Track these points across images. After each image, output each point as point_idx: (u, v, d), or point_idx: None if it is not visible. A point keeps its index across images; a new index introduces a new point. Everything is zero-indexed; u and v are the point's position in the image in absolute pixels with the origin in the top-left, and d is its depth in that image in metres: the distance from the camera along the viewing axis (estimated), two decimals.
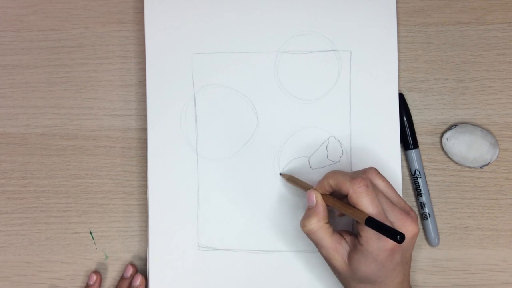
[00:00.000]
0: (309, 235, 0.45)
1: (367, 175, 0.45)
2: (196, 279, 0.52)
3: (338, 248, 0.44)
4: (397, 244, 0.42)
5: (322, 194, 0.46)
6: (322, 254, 0.46)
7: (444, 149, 0.53)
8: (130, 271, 0.53)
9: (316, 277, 0.52)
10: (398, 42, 0.53)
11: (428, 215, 0.53)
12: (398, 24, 0.54)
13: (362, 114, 0.52)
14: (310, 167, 0.53)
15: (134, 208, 0.55)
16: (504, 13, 0.54)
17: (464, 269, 0.53)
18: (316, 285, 0.52)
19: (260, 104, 0.53)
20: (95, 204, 0.55)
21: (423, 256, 0.54)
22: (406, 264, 0.45)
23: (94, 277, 0.53)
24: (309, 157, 0.53)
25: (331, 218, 0.46)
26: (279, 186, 0.53)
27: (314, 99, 0.53)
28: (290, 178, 0.51)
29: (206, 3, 0.53)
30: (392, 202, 0.44)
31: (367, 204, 0.42)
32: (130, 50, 0.56)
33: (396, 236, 0.39)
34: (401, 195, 0.51)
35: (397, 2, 0.53)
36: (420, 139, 0.54)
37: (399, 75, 0.54)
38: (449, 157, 0.53)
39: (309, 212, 0.45)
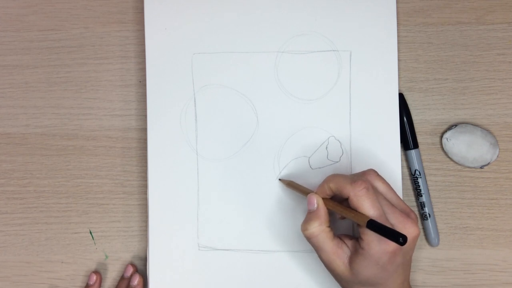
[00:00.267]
0: (310, 239, 0.45)
1: (367, 178, 0.45)
2: (196, 279, 0.52)
3: (339, 253, 0.44)
4: (399, 246, 0.42)
5: (323, 198, 0.46)
6: (322, 259, 0.45)
7: (444, 149, 0.53)
8: (130, 271, 0.54)
9: (316, 277, 0.52)
10: (398, 42, 0.53)
11: (428, 215, 0.53)
12: (398, 24, 0.54)
13: (362, 114, 0.52)
14: (310, 167, 0.53)
15: (134, 208, 0.55)
16: (504, 13, 0.54)
17: (464, 269, 0.53)
18: (316, 285, 0.52)
19: (260, 104, 0.53)
20: (95, 204, 0.55)
21: (423, 256, 0.54)
22: (407, 265, 0.45)
23: (94, 277, 0.53)
24: (309, 157, 0.53)
25: (331, 223, 0.46)
26: (279, 186, 0.53)
27: (314, 99, 0.53)
28: (290, 184, 0.51)
29: (206, 3, 0.53)
30: (392, 204, 0.44)
31: (368, 207, 0.42)
32: (130, 50, 0.56)
33: (398, 238, 0.38)
34: (401, 195, 0.51)
35: (397, 2, 0.53)
36: (420, 139, 0.54)
37: (399, 75, 0.54)
38: (449, 157, 0.53)
39: (310, 215, 0.45)
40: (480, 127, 0.53)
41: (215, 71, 0.53)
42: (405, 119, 0.53)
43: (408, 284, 0.46)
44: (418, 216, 0.53)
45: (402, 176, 0.53)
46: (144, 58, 0.54)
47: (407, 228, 0.43)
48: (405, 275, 0.45)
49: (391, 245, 0.42)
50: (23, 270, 0.55)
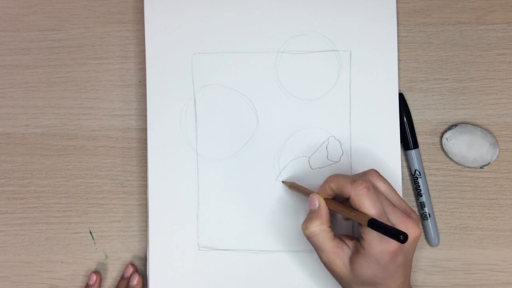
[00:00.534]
0: (311, 238, 0.45)
1: (368, 177, 0.45)
2: (196, 279, 0.52)
3: (339, 253, 0.44)
4: (400, 246, 0.42)
5: (324, 199, 0.46)
6: (322, 259, 0.45)
7: (444, 149, 0.53)
8: (130, 271, 0.54)
9: (315, 277, 0.52)
10: (398, 42, 0.53)
11: (428, 215, 0.53)
12: (398, 24, 0.54)
13: (362, 114, 0.52)
14: (310, 167, 0.53)
15: (134, 208, 0.55)
16: (504, 13, 0.54)
17: (464, 269, 0.53)
18: (315, 285, 0.52)
19: (260, 104, 0.53)
20: (95, 204, 0.55)
21: (423, 256, 0.54)
22: (408, 266, 0.45)
23: (94, 277, 0.53)
24: (309, 157, 0.53)
25: (332, 224, 0.46)
26: (279, 186, 0.53)
27: (314, 99, 0.53)
28: (292, 185, 0.51)
29: (206, 3, 0.53)
30: (393, 204, 0.44)
31: (369, 206, 0.42)
32: (130, 50, 0.56)
33: (399, 236, 0.38)
34: (401, 195, 0.51)
35: (397, 2, 0.53)
36: (420, 139, 0.54)
37: (399, 75, 0.54)
38: (449, 157, 0.53)
39: (311, 215, 0.45)
40: (480, 127, 0.53)
41: (215, 71, 0.53)
42: (405, 119, 0.53)
43: (409, 285, 0.46)
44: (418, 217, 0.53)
45: (402, 176, 0.53)
46: (144, 58, 0.54)
47: (409, 228, 0.43)
48: (405, 276, 0.45)
49: (393, 244, 0.42)
50: (23, 270, 0.55)
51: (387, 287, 0.44)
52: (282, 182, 0.52)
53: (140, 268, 0.55)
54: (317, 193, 0.46)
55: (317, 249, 0.45)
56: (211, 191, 0.53)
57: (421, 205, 0.53)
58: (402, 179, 0.53)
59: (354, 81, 0.53)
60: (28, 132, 0.55)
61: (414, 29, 0.54)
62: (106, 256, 0.55)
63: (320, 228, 0.44)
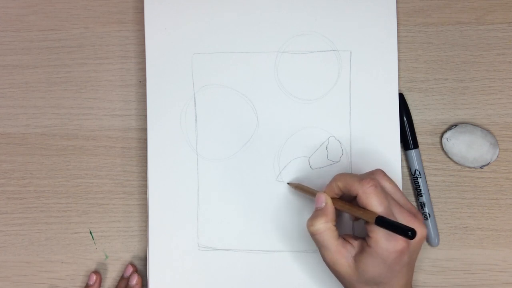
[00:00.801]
0: (315, 235, 0.45)
1: (375, 177, 0.45)
2: (196, 279, 0.52)
3: (343, 252, 0.44)
4: (407, 245, 0.42)
5: (331, 198, 0.46)
6: (325, 258, 0.45)
7: (444, 149, 0.53)
8: (130, 271, 0.54)
9: (316, 277, 0.52)
10: (398, 42, 0.53)
11: (428, 215, 0.53)
12: (398, 24, 0.54)
13: (362, 114, 0.52)
14: (310, 167, 0.53)
15: (134, 208, 0.55)
16: (504, 13, 0.54)
17: (464, 269, 0.53)
18: (316, 285, 0.52)
19: (260, 104, 0.53)
20: (95, 204, 0.55)
21: (423, 256, 0.54)
22: (412, 266, 0.45)
23: (94, 277, 0.53)
24: (309, 157, 0.53)
25: (337, 223, 0.46)
26: (279, 186, 0.53)
27: (314, 99, 0.53)
28: (298, 186, 0.51)
29: (206, 3, 0.53)
30: (399, 204, 0.44)
31: (376, 204, 0.42)
32: (130, 50, 0.56)
33: (407, 232, 0.38)
34: None
35: (397, 2, 0.53)
36: (420, 139, 0.54)
37: (399, 75, 0.54)
38: (449, 157, 0.53)
39: (317, 212, 0.45)
40: (480, 127, 0.53)
41: (215, 71, 0.53)
42: (405, 119, 0.53)
43: (411, 286, 0.46)
44: None
45: (402, 176, 0.53)
46: (144, 58, 0.54)
47: (415, 227, 0.43)
48: (408, 276, 0.45)
49: (400, 243, 0.42)
50: (23, 270, 0.55)
51: (391, 287, 0.44)
52: (288, 183, 0.52)
53: (140, 268, 0.55)
54: (324, 192, 0.46)
55: (321, 247, 0.45)
56: (211, 191, 0.53)
57: (421, 205, 0.53)
58: (402, 179, 0.53)
59: (354, 81, 0.53)
60: (28, 132, 0.55)
61: (414, 29, 0.54)
62: (106, 256, 0.55)
63: (325, 226, 0.44)
